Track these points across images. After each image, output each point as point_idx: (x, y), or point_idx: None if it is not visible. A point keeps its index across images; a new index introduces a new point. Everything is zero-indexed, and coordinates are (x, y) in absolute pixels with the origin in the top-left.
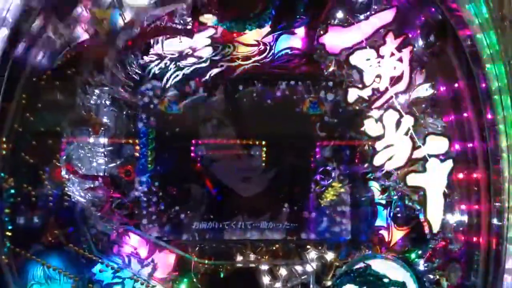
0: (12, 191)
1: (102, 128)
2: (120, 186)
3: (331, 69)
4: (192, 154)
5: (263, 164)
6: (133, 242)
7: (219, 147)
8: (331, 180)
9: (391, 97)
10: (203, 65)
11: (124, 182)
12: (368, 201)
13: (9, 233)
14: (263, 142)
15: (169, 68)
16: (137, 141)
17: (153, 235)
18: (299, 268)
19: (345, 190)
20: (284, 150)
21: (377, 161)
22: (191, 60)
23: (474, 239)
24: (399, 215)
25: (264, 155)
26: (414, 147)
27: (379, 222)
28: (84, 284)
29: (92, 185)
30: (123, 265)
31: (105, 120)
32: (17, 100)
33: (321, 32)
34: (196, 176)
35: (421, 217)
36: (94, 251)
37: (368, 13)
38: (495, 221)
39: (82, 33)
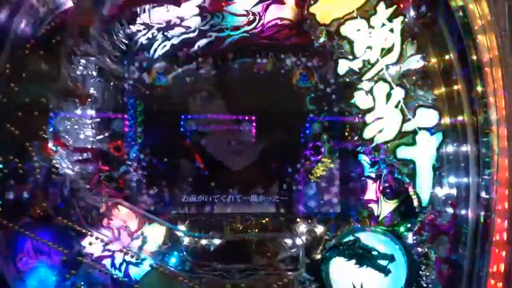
0: (1, 165)
1: (89, 100)
2: (108, 159)
3: (321, 40)
4: (181, 129)
5: (253, 139)
6: (123, 215)
7: (209, 121)
8: (320, 155)
9: (382, 69)
10: (192, 35)
11: (113, 156)
12: (357, 175)
13: None
14: (253, 117)
15: (157, 38)
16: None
17: (142, 208)
18: (288, 241)
19: (334, 165)
20: (274, 124)
21: (367, 134)
22: (179, 30)
23: (463, 212)
24: (388, 188)
25: (254, 130)
26: (404, 120)
27: (368, 195)
28: (73, 257)
29: (80, 158)
30: (113, 238)
31: (92, 91)
32: (1, 70)
33: (312, 2)
34: (185, 150)
35: (411, 190)
36: (84, 224)
37: None
38: (483, 194)
39: (66, 0)
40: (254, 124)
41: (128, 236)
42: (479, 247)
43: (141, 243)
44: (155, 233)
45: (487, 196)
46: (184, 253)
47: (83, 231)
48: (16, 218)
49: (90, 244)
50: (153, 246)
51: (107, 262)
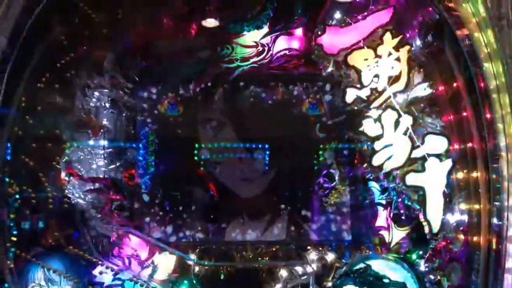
0: (17, 196)
1: (101, 131)
2: (120, 188)
3: (329, 69)
4: (195, 158)
5: (266, 168)
6: (133, 244)
7: (222, 150)
8: (334, 182)
9: (389, 96)
10: (202, 66)
11: (124, 184)
12: (368, 202)
13: (14, 238)
14: (266, 146)
15: (169, 69)
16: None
17: (153, 237)
18: (299, 269)
19: (347, 192)
20: (287, 153)
21: (376, 161)
22: (190, 61)
23: (474, 238)
24: (399, 215)
25: (268, 158)
26: (413, 147)
27: (379, 222)
28: (84, 286)
29: (92, 187)
30: (123, 267)
31: (104, 122)
32: (17, 103)
33: (319, 33)
34: (197, 179)
35: (421, 217)
36: (94, 253)
37: (366, 13)
38: (495, 220)
39: None
40: (267, 152)
41: (139, 265)
42: (491, 274)
43: (152, 272)
44: (166, 262)
45: (499, 223)
46: (195, 281)
47: (94, 260)
48: (28, 248)
49: (101, 273)
50: (163, 275)
51: None
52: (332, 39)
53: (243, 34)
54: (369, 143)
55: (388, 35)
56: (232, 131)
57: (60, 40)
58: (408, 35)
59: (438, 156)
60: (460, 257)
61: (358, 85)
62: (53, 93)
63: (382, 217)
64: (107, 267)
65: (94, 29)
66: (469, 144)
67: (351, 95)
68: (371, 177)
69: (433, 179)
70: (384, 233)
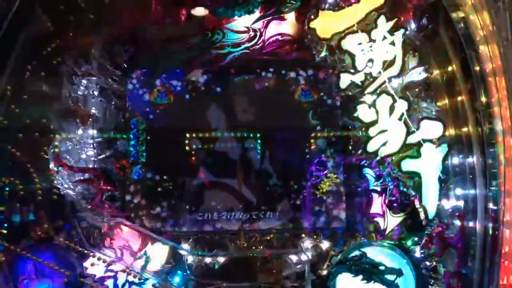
0: (7, 188)
1: (90, 119)
2: (110, 178)
3: (322, 54)
4: (186, 148)
5: (258, 156)
6: (125, 235)
7: (214, 139)
8: (326, 170)
9: (384, 81)
10: (193, 52)
11: (115, 175)
12: (362, 189)
13: (4, 231)
14: (258, 134)
15: (158, 57)
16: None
17: (145, 227)
18: (294, 257)
19: (340, 180)
20: (279, 141)
21: (371, 147)
22: (180, 47)
23: (470, 224)
24: (394, 202)
25: (260, 147)
26: (408, 132)
27: (374, 209)
28: (75, 278)
29: (81, 178)
30: (115, 258)
31: (93, 111)
32: (2, 92)
33: (312, 17)
34: (189, 168)
35: (417, 203)
36: (85, 244)
37: None
38: (491, 205)
39: None
40: (259, 140)
41: (131, 256)
42: (488, 260)
43: (144, 263)
44: (158, 252)
45: (495, 207)
46: (188, 272)
47: (85, 252)
48: (17, 240)
49: (92, 265)
50: (156, 266)
51: (109, 283)
52: (325, 23)
53: (234, 19)
54: (363, 129)
55: (382, 19)
56: (223, 119)
57: (46, 27)
58: (402, 18)
59: (433, 141)
60: (456, 243)
61: (352, 70)
62: (39, 82)
63: (377, 204)
64: (98, 259)
65: (80, 14)
66: (465, 129)
67: (345, 80)
68: (366, 164)
69: (429, 165)
70: (379, 220)
